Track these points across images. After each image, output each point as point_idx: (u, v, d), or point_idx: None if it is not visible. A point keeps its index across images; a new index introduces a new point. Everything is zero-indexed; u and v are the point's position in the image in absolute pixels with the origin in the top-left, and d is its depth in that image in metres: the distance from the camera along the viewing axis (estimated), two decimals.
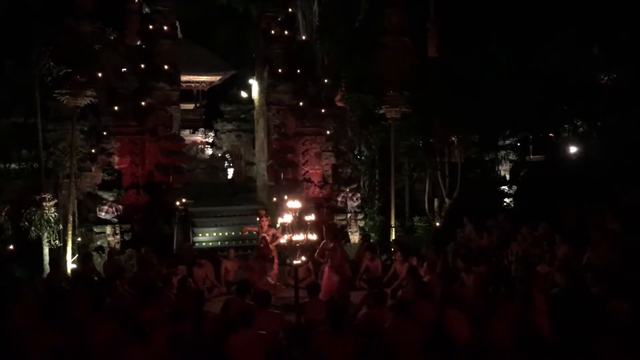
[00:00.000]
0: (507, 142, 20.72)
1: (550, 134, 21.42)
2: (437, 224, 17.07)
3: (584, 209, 14.58)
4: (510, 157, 20.95)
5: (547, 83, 17.10)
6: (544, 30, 17.14)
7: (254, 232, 13.89)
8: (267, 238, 13.04)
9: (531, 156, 22.78)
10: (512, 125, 19.08)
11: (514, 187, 20.29)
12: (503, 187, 20.30)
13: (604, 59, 17.58)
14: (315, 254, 12.13)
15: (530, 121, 18.44)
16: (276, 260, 13.03)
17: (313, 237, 9.31)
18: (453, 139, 17.19)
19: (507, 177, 21.41)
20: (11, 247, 13.27)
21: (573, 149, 20.42)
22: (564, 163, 19.89)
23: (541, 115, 17.99)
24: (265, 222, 13.35)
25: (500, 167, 20.82)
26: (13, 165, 14.75)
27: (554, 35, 17.13)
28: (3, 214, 13.50)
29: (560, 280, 9.40)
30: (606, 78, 18.35)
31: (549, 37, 17.17)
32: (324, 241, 11.91)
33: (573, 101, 18.10)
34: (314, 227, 9.63)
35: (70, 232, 12.88)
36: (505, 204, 19.51)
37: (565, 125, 20.45)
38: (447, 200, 17.29)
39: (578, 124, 19.85)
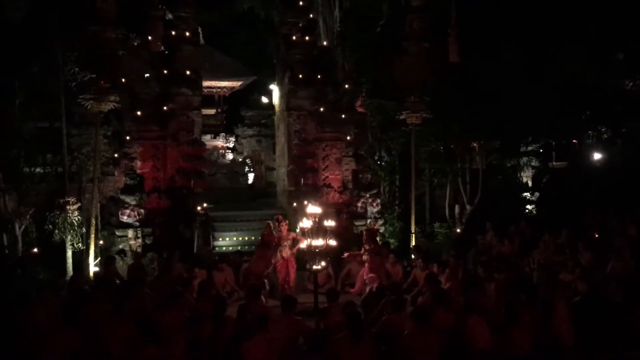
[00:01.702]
0: (529, 148, 20.52)
1: (574, 140, 21.20)
2: (458, 230, 16.95)
3: (608, 215, 14.38)
4: (533, 164, 20.74)
5: (570, 88, 16.92)
6: (566, 35, 16.98)
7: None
8: (271, 225, 13.30)
9: (554, 162, 22.55)
10: (534, 131, 18.90)
11: (536, 194, 20.08)
12: (525, 194, 20.10)
13: (627, 64, 17.36)
14: (363, 257, 12.30)
15: (552, 127, 18.26)
16: (294, 265, 13.05)
17: (333, 242, 9.34)
18: (474, 144, 17.07)
19: (529, 183, 21.20)
20: (35, 249, 13.49)
21: (597, 156, 20.17)
22: (588, 169, 19.66)
23: (564, 121, 17.80)
24: (285, 226, 13.41)
25: (522, 173, 20.62)
26: (38, 169, 15.00)
27: (577, 40, 16.96)
28: (28, 217, 13.75)
29: (583, 288, 9.28)
30: (631, 84, 18.11)
31: (571, 42, 17.00)
32: (364, 245, 11.95)
33: (596, 107, 17.89)
34: (334, 232, 9.67)
35: (93, 236, 13.04)
36: (527, 210, 19.32)
37: (589, 132, 20.22)
38: (468, 206, 17.17)
39: (602, 130, 19.62)
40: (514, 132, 17.46)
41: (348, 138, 17.70)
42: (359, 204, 16.68)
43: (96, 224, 13.49)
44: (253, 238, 15.93)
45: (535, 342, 7.25)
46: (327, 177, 17.38)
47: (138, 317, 7.29)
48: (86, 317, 7.44)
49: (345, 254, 13.35)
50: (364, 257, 12.66)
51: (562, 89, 16.78)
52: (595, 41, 17.02)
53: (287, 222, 13.75)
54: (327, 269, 12.14)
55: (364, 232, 12.59)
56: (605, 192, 16.22)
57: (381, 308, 8.80)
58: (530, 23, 16.96)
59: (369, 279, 11.50)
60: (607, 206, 15.00)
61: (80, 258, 13.30)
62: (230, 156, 27.52)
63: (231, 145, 28.34)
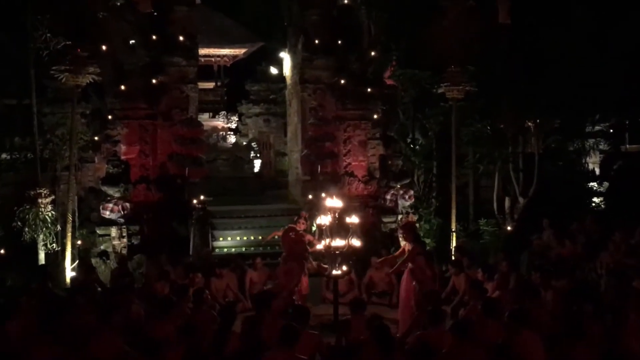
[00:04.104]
0: (597, 128, 20.37)
1: None
2: (509, 228, 16.93)
3: None
4: (601, 147, 20.61)
5: None
6: None
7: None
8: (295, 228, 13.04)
9: (627, 146, 22.39)
10: (603, 108, 18.75)
11: (605, 184, 19.97)
12: (591, 184, 19.99)
13: None
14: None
15: (625, 103, 18.11)
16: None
17: (356, 243, 9.38)
18: (529, 124, 16.99)
19: (597, 171, 21.08)
20: (2, 251, 13.70)
21: None
22: None
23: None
24: (302, 225, 13.48)
25: (587, 158, 20.50)
26: (4, 155, 15.22)
27: None
28: None
29: None
30: None
31: None
32: (404, 244, 11.95)
33: None
34: (357, 230, 9.70)
35: (69, 234, 13.22)
36: (593, 204, 19.23)
37: None
38: (520, 199, 17.12)
39: None
40: (578, 108, 17.35)
41: (375, 116, 17.69)
42: (388, 197, 16.71)
43: (73, 221, 13.67)
44: (260, 237, 16.02)
45: None
46: (350, 163, 17.42)
47: (126, 330, 7.43)
48: (67, 329, 7.61)
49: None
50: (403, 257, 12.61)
51: (636, 56, 16.62)
52: None
53: (308, 222, 13.78)
54: (350, 275, 12.19)
55: (401, 228, 12.54)
56: None
57: (415, 321, 8.86)
58: None
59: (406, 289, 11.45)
60: None
61: (49, 262, 13.46)
62: (232, 139, 27.61)
63: (233, 125, 28.41)
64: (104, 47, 13.93)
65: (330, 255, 9.38)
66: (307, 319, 8.07)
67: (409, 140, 19.08)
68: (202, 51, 22.99)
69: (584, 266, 12.38)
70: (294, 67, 18.55)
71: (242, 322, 8.41)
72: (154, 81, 16.29)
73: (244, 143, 26.63)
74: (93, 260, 13.87)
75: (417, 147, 18.92)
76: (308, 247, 12.84)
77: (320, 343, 7.92)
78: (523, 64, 15.94)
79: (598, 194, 19.69)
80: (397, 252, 12.00)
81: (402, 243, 14.84)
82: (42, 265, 13.06)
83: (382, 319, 8.27)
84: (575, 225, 14.50)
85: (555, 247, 13.73)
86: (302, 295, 12.51)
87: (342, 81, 17.24)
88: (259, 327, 7.98)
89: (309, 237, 13.41)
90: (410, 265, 11.36)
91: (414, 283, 10.99)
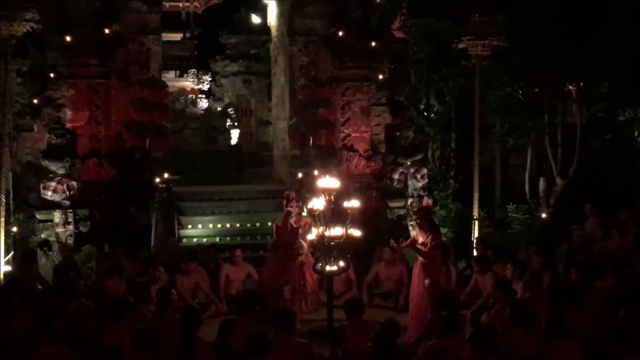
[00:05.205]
0: None
1: None
2: (543, 215, 16.98)
3: None
4: None
5: None
6: None
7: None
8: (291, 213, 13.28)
9: None
10: None
11: None
12: None
13: None
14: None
15: None
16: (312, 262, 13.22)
17: (356, 232, 9.41)
18: (570, 88, 16.98)
19: None
20: None
21: None
22: None
23: None
24: (297, 209, 13.52)
25: None
26: None
27: None
28: None
29: None
30: None
31: None
32: (415, 234, 11.99)
33: None
34: (358, 217, 9.71)
35: (2, 220, 13.18)
36: None
37: None
38: (558, 180, 17.16)
39: None
40: (630, 69, 17.35)
41: (380, 77, 17.68)
42: (396, 176, 16.74)
43: (7, 203, 13.63)
44: (238, 225, 16.05)
45: None
46: (349, 135, 17.42)
47: (72, 337, 7.44)
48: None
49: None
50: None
51: None
52: None
53: (299, 204, 13.82)
54: (347, 272, 12.23)
55: (414, 214, 12.58)
56: None
57: (428, 327, 8.89)
58: None
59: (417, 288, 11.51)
60: None
61: None
62: (204, 104, 27.60)
63: (206, 87, 28.37)
64: None
65: (324, 248, 9.40)
66: (291, 324, 8.09)
67: (422, 107, 19.08)
68: None
69: (633, 262, 12.44)
70: (281, 15, 18.46)
71: (219, 327, 8.44)
72: (107, 31, 16.21)
73: (219, 109, 26.63)
74: None
75: (432, 115, 18.92)
76: (300, 237, 12.96)
77: (307, 353, 7.94)
78: (565, 13, 15.89)
79: None
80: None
81: (413, 233, 15.00)
82: None
83: (396, 326, 8.24)
84: (625, 212, 14.54)
85: (599, 240, 13.80)
86: (306, 294, 12.68)
87: (340, 33, 17.19)
88: (232, 333, 8.01)
89: (306, 220, 13.47)
90: (422, 260, 11.41)
91: (427, 281, 11.04)
